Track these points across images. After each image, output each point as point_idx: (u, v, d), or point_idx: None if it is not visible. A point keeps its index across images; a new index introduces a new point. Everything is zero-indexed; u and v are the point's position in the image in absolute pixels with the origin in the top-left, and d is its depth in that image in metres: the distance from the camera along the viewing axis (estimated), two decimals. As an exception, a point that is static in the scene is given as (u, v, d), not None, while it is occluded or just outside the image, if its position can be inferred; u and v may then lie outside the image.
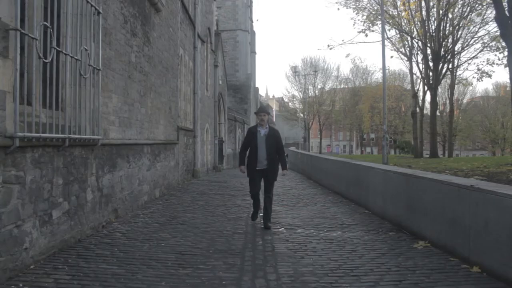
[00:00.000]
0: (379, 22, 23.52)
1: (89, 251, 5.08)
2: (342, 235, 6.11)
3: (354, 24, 61.45)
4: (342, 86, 63.70)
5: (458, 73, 31.00)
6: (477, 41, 25.82)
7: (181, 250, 5.22)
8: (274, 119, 68.23)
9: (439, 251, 5.06)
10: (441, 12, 24.52)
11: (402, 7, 25.83)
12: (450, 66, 27.47)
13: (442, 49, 24.99)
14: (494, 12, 10.64)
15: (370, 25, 25.22)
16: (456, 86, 36.22)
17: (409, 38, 26.48)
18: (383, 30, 16.67)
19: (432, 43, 24.94)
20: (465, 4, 23.85)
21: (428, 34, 24.93)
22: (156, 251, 5.17)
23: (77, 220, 5.54)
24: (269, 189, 6.88)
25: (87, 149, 5.86)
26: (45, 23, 4.50)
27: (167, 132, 11.24)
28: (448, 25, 25.09)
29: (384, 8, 21.58)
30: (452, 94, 33.78)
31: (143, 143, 8.75)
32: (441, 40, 24.76)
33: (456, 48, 26.03)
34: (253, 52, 49.44)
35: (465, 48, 26.65)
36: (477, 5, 23.36)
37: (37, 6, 4.49)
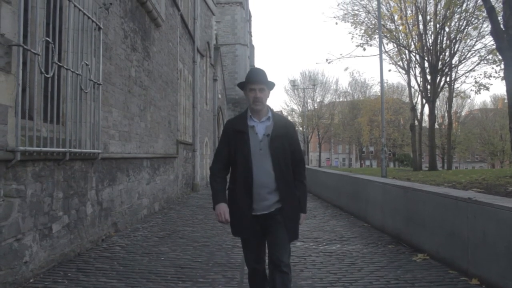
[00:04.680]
0: (377, 36, 23.68)
1: (88, 265, 5.08)
2: (341, 248, 6.12)
3: (352, 38, 61.47)
4: (341, 99, 63.92)
5: (456, 86, 31.17)
6: (474, 54, 25.99)
7: (181, 264, 5.22)
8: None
9: (438, 264, 5.06)
10: (438, 26, 24.73)
11: (399, 21, 26.08)
12: (448, 79, 27.62)
13: (440, 62, 25.15)
14: (490, 26, 10.78)
15: (368, 39, 25.41)
16: (454, 99, 36.43)
17: (406, 52, 26.66)
18: (381, 44, 16.81)
19: (430, 57, 25.11)
20: (462, 18, 24.08)
21: (425, 48, 25.13)
22: (156, 264, 5.18)
23: (77, 234, 5.55)
24: (282, 255, 3.13)
25: (87, 163, 5.89)
26: (47, 38, 4.58)
27: (167, 145, 11.28)
28: (445, 38, 25.29)
29: (382, 22, 21.78)
30: (450, 106, 33.90)
31: (142, 157, 8.79)
32: (438, 54, 24.94)
33: (453, 61, 26.20)
34: (252, 66, 49.73)
35: (462, 61, 26.79)
36: (473, 19, 23.58)
37: (40, 22, 4.58)
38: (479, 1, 20.14)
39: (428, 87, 25.61)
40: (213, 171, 3.30)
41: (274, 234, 3.17)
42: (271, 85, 3.24)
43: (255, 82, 3.18)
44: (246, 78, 3.25)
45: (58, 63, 4.86)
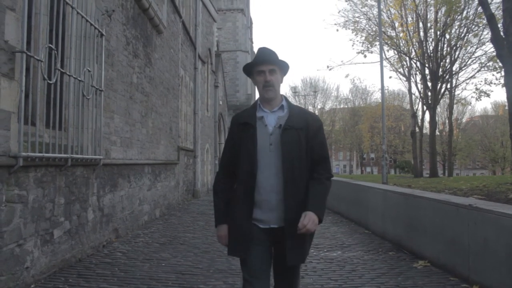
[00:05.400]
0: (377, 43, 23.76)
1: (89, 271, 5.09)
2: (342, 255, 6.11)
3: (353, 45, 61.57)
4: (341, 106, 64.03)
5: (456, 92, 31.20)
6: (474, 61, 26.03)
7: (182, 270, 5.22)
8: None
9: (439, 271, 5.06)
10: (438, 33, 24.81)
11: (400, 28, 26.15)
12: (449, 86, 27.65)
13: (440, 69, 25.20)
14: (490, 33, 10.82)
15: (369, 46, 25.49)
16: (455, 105, 36.41)
17: (407, 59, 26.72)
18: (382, 51, 16.85)
19: (430, 64, 25.16)
20: (462, 25, 24.17)
21: (426, 55, 25.19)
22: (157, 271, 5.18)
23: (78, 240, 5.56)
24: (290, 280, 2.65)
25: (88, 168, 5.91)
26: (50, 45, 4.61)
27: (168, 152, 11.30)
28: (445, 45, 25.35)
29: (383, 29, 21.87)
30: (451, 113, 33.92)
31: (144, 163, 8.80)
32: (439, 61, 24.99)
33: (454, 68, 26.23)
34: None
35: (463, 68, 26.82)
36: (473, 26, 23.66)
37: (43, 29, 4.62)
38: (479, 9, 20.22)
39: (429, 93, 25.65)
40: (215, 181, 2.75)
41: (281, 259, 2.51)
42: (284, 66, 2.66)
43: (263, 63, 2.59)
44: (253, 60, 2.66)
45: (61, 70, 4.90)
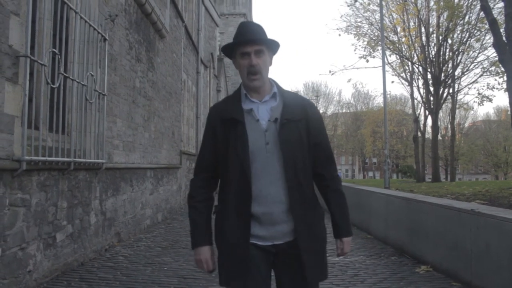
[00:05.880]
0: (379, 48, 23.82)
1: (92, 275, 5.10)
2: (344, 260, 6.10)
3: (355, 50, 61.64)
4: (344, 110, 64.07)
5: (459, 97, 31.15)
6: (476, 66, 26.04)
7: (184, 274, 5.23)
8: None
9: (441, 276, 5.04)
10: (440, 37, 24.84)
11: (402, 33, 26.21)
12: (451, 90, 27.65)
13: (443, 74, 25.21)
14: (492, 38, 10.83)
15: (371, 50, 25.53)
16: (457, 110, 36.34)
17: (409, 63, 26.74)
18: (384, 56, 16.91)
19: (432, 68, 25.18)
20: (464, 30, 24.19)
21: (428, 60, 25.21)
22: (159, 275, 5.18)
23: (80, 243, 5.57)
24: None
25: (91, 172, 5.92)
26: (54, 49, 4.64)
27: (170, 156, 11.32)
28: (447, 50, 25.37)
29: (385, 34, 21.91)
30: (453, 118, 33.91)
31: (146, 167, 8.82)
32: (441, 65, 25.01)
33: (456, 73, 26.24)
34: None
35: (465, 73, 26.83)
36: (475, 31, 23.69)
37: (46, 34, 4.65)
38: (481, 14, 20.23)
39: (431, 98, 25.64)
40: (191, 190, 2.18)
41: (289, 282, 2.10)
42: (273, 45, 2.12)
43: (248, 42, 2.03)
44: (234, 38, 2.08)
45: (64, 74, 4.93)
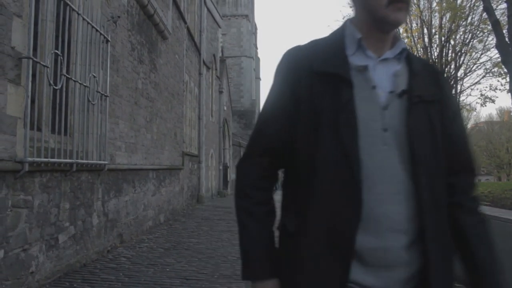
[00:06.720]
0: (382, 49, 23.79)
1: (94, 276, 5.09)
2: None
3: (357, 51, 61.89)
4: (346, 111, 64.02)
5: (461, 98, 31.11)
6: (479, 67, 25.99)
7: (186, 275, 5.22)
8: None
9: (444, 277, 5.02)
10: (443, 39, 24.82)
11: (404, 34, 26.19)
12: (453, 91, 27.63)
13: (445, 75, 25.21)
14: (495, 39, 10.81)
15: (374, 51, 25.53)
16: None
17: (412, 65, 26.73)
18: (386, 57, 16.90)
19: (435, 69, 25.18)
20: (467, 31, 24.17)
21: (430, 60, 25.20)
22: (161, 276, 5.18)
23: (83, 245, 5.57)
24: None
25: (93, 174, 5.93)
26: (56, 51, 4.65)
27: (172, 157, 11.32)
28: (450, 51, 25.36)
29: (387, 35, 21.88)
30: (456, 119, 33.85)
31: (148, 168, 8.83)
32: (443, 66, 24.97)
33: (458, 74, 26.21)
34: (258, 78, 49.95)
35: (468, 74, 26.76)
36: (478, 32, 23.66)
37: (49, 35, 4.66)
38: (484, 15, 20.22)
39: (434, 99, 25.60)
40: (244, 181, 1.33)
41: None
42: None
43: None
44: None
45: (67, 75, 4.93)
